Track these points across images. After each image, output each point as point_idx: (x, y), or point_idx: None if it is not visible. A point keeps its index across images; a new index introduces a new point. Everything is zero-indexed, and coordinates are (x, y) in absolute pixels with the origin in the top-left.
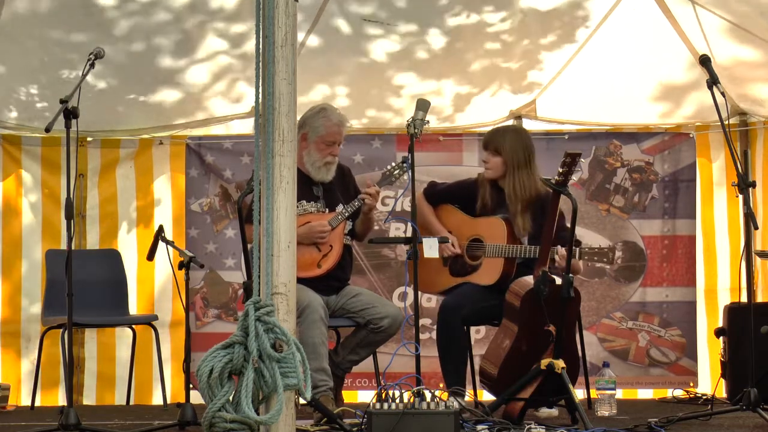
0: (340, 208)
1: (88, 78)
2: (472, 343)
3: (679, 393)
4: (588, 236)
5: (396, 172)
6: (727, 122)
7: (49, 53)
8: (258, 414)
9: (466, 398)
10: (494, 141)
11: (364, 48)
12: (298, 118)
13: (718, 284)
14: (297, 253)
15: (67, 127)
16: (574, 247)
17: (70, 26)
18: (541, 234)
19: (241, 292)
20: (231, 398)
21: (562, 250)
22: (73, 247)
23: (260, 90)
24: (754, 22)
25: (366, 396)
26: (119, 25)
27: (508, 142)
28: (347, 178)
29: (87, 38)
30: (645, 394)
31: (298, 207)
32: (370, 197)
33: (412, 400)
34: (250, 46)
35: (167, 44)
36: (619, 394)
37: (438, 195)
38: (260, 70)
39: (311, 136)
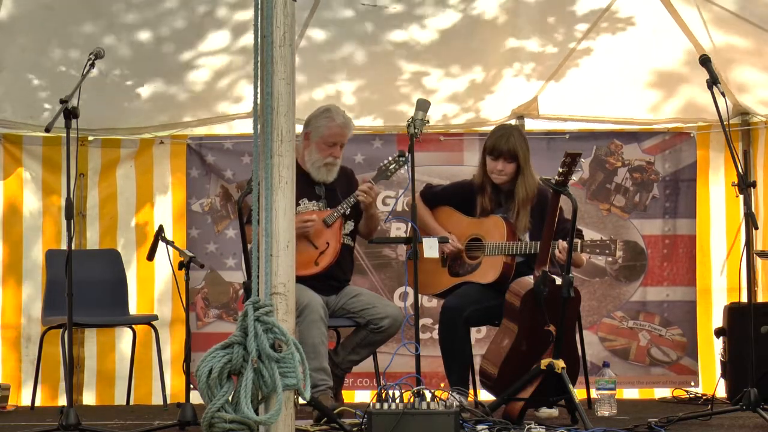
0: (338, 206)
1: (90, 75)
2: (473, 343)
3: (679, 393)
4: (588, 236)
5: (392, 166)
6: (727, 122)
7: (51, 50)
8: (257, 414)
9: (467, 398)
10: (508, 147)
11: (364, 45)
12: (305, 117)
13: (718, 284)
14: None
15: (67, 126)
16: (575, 240)
17: (73, 23)
18: (539, 230)
19: (241, 292)
20: (230, 398)
21: (563, 243)
22: (73, 247)
23: (259, 90)
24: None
25: (366, 396)
26: (123, 24)
27: (518, 145)
28: (351, 181)
29: (91, 35)
30: (646, 393)
31: (299, 205)
32: (364, 194)
33: (412, 400)
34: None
35: (170, 44)
36: (619, 393)
37: (435, 197)
38: (259, 70)
39: (313, 136)
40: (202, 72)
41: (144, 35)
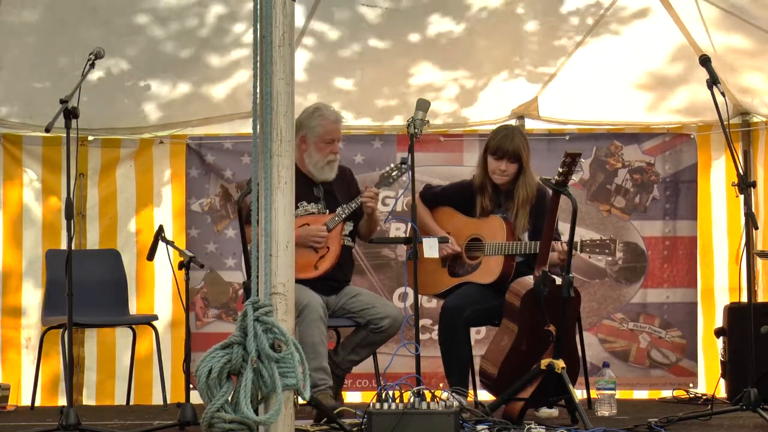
0: (339, 210)
1: (90, 74)
2: (473, 343)
3: (679, 393)
4: (589, 237)
5: (394, 173)
6: (727, 122)
7: (51, 50)
8: (257, 414)
9: (466, 398)
10: (513, 148)
11: (362, 46)
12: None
13: (719, 284)
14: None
15: (67, 126)
16: (562, 241)
17: (74, 22)
18: (538, 230)
19: (241, 292)
20: (230, 398)
21: (559, 245)
22: (73, 247)
23: (258, 90)
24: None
25: (366, 396)
26: (123, 23)
27: (522, 146)
28: (349, 179)
29: (92, 35)
30: (645, 395)
31: (299, 207)
32: (371, 200)
33: (411, 400)
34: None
35: (171, 43)
36: (619, 395)
37: (434, 197)
38: (258, 70)
39: (310, 137)
40: (202, 71)
41: (144, 35)
